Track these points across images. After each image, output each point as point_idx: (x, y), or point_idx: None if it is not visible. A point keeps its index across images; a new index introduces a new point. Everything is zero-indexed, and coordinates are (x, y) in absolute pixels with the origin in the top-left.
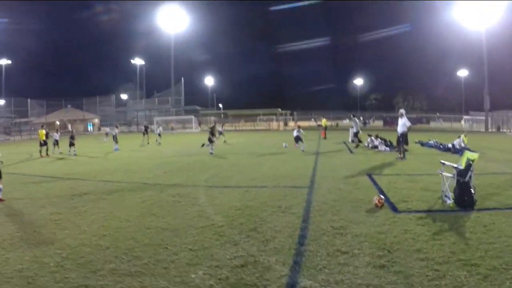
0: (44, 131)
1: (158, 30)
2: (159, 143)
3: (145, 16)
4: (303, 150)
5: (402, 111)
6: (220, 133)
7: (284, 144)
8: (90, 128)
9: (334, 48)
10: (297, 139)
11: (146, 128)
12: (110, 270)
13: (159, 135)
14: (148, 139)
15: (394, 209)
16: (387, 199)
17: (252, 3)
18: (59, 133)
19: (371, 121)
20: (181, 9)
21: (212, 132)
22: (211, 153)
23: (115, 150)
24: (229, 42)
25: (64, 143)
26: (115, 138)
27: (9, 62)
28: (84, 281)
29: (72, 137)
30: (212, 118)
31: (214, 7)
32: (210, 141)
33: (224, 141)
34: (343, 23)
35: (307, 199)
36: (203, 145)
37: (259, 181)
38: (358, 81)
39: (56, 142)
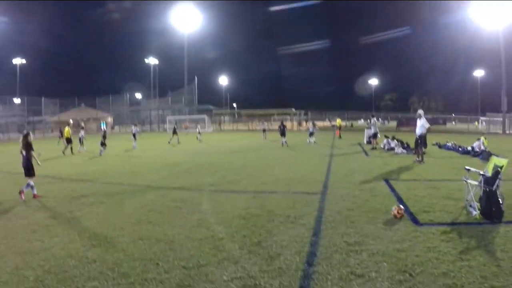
0: (69, 129)
1: (172, 29)
2: (200, 140)
3: (159, 16)
4: (309, 142)
5: (420, 111)
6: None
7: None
8: (103, 126)
9: (349, 48)
10: (311, 134)
11: (175, 128)
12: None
13: (199, 133)
14: (178, 138)
15: (415, 221)
16: (406, 209)
17: (267, 3)
18: (84, 131)
19: (385, 122)
20: (195, 8)
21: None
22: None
23: (134, 147)
24: (243, 41)
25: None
26: (134, 136)
27: (24, 61)
28: None
29: (104, 137)
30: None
31: (228, 6)
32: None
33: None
34: (357, 23)
35: (319, 207)
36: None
37: (269, 186)
38: (373, 81)
39: (81, 140)
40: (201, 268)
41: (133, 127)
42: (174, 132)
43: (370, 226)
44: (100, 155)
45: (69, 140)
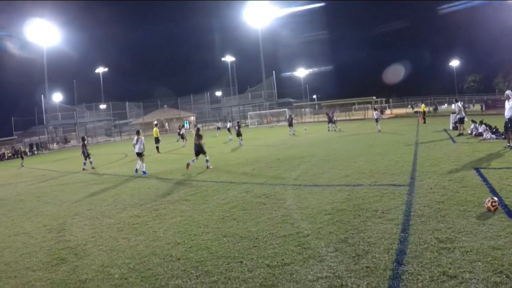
0: (157, 129)
1: (245, 25)
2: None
3: (232, 13)
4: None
5: (508, 92)
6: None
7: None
8: (186, 125)
9: (428, 30)
10: (377, 120)
11: (291, 120)
12: (174, 287)
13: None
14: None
15: (510, 214)
16: (500, 201)
17: None
18: (183, 129)
19: (470, 105)
20: (266, 2)
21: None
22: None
23: (230, 140)
24: (320, 31)
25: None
26: (229, 130)
27: (106, 69)
28: None
29: (238, 129)
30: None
31: None
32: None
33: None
34: (436, 2)
35: (407, 200)
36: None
37: (353, 178)
38: (454, 63)
39: (182, 137)
40: (286, 267)
41: (228, 123)
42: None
43: (462, 221)
44: (198, 160)
45: (157, 140)
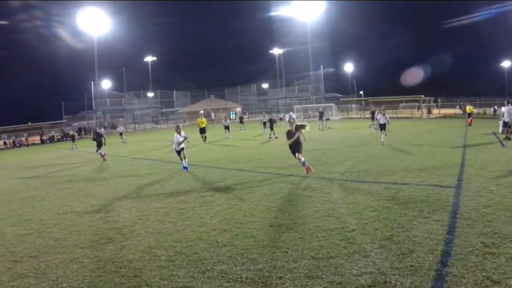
0: (203, 119)
1: (293, 18)
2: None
3: (281, 6)
4: (382, 143)
5: None
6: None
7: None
8: (232, 116)
9: (480, 27)
10: (383, 127)
11: (322, 114)
12: (220, 272)
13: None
14: (323, 125)
15: None
16: None
17: None
18: (228, 120)
19: None
20: None
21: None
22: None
23: (264, 132)
24: (369, 26)
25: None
26: (265, 124)
27: (155, 58)
28: (190, 282)
29: (271, 122)
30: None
31: None
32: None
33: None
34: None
35: (454, 202)
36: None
37: (400, 177)
38: (506, 63)
39: (227, 128)
40: (331, 260)
41: (291, 113)
42: (321, 117)
43: (509, 227)
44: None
45: (202, 130)
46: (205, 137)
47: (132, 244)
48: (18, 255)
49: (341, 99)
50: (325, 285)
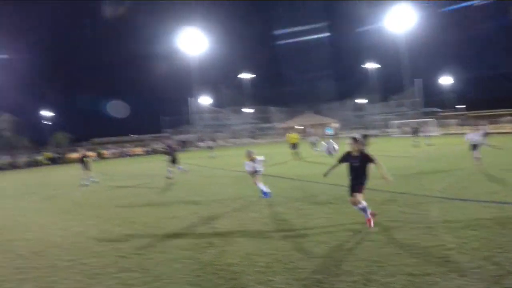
0: (294, 135)
1: (387, 31)
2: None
3: (375, 19)
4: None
5: None
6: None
7: None
8: (329, 132)
9: None
10: (475, 147)
11: (417, 129)
12: (315, 281)
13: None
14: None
15: None
16: None
17: None
18: (316, 137)
19: None
20: (409, 8)
21: None
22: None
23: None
24: (470, 35)
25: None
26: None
27: (253, 75)
28: None
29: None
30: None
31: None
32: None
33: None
34: None
35: None
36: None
37: (501, 195)
38: None
39: (314, 145)
40: (426, 277)
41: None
42: (415, 133)
43: None
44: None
45: (294, 146)
46: (297, 152)
47: (231, 249)
48: (122, 251)
49: (439, 114)
50: None
